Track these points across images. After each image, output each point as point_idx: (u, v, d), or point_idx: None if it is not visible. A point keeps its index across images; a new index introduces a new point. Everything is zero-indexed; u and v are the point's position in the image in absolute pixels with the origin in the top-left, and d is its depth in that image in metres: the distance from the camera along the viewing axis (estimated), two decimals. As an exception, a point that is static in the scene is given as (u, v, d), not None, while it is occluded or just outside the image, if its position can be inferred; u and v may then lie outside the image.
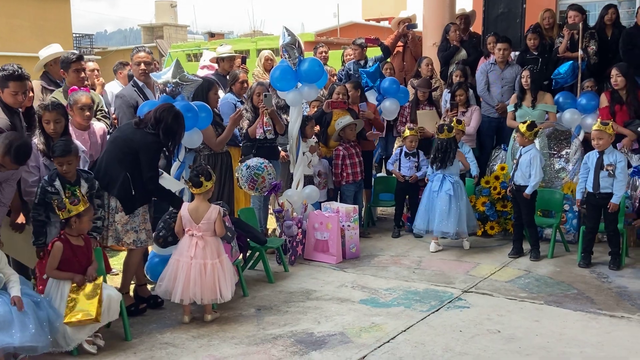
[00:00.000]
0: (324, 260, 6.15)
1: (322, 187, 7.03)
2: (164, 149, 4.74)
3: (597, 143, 5.75)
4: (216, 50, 8.09)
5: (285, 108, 6.84)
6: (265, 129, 6.28)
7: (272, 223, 7.00)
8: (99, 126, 5.38)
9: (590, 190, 5.81)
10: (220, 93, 7.05)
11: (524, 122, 6.16)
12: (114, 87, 7.58)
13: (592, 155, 5.84)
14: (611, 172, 5.68)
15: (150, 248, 5.22)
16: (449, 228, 6.30)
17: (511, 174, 6.30)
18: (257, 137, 6.29)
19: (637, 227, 6.15)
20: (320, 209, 6.52)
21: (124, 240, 4.59)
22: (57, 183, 4.32)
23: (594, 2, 8.87)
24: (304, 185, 6.66)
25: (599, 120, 5.87)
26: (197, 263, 4.49)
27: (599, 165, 5.74)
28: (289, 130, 6.56)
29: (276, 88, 6.50)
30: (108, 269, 4.84)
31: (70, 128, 4.96)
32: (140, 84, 5.89)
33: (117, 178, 4.53)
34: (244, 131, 6.39)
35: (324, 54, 9.16)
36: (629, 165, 6.62)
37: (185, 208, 4.66)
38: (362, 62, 8.94)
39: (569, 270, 5.74)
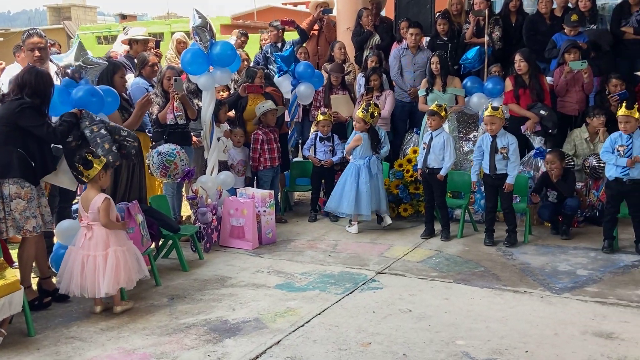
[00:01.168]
0: (240, 247, 6.10)
1: (240, 174, 6.96)
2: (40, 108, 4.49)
3: (490, 128, 5.99)
4: (126, 32, 7.81)
5: (197, 92, 6.70)
6: (175, 114, 6.13)
7: (187, 210, 6.87)
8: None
9: (487, 172, 6.04)
10: (131, 77, 6.83)
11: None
12: (14, 70, 7.16)
13: (486, 139, 6.07)
14: (505, 154, 5.93)
15: (55, 239, 5.01)
16: (374, 206, 6.57)
17: (422, 158, 6.42)
18: (168, 122, 6.14)
19: (535, 203, 6.43)
20: (236, 195, 6.45)
21: (25, 229, 4.34)
22: None
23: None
24: (219, 171, 6.58)
25: (490, 105, 6.08)
26: (83, 254, 4.35)
27: (494, 149, 5.98)
28: (201, 115, 6.43)
29: (187, 72, 6.36)
30: (9, 262, 4.60)
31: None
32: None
33: (10, 159, 4.29)
34: (154, 116, 6.21)
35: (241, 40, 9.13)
36: (531, 147, 6.95)
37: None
38: (279, 45, 8.89)
39: (476, 249, 5.96)
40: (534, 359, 3.66)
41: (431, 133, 6.36)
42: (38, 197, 4.46)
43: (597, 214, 6.45)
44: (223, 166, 6.83)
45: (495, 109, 5.96)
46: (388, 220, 6.72)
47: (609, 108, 6.78)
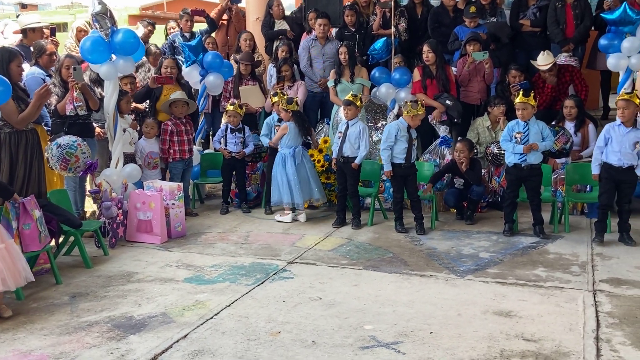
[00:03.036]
0: (148, 241, 5.93)
1: (152, 167, 6.77)
2: None
3: (415, 122, 6.14)
4: (19, 20, 7.40)
5: (99, 82, 6.43)
6: (75, 104, 5.85)
7: (92, 205, 6.60)
8: None
9: (399, 162, 6.15)
10: (26, 67, 6.47)
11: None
12: None
13: (403, 129, 6.14)
14: (414, 145, 6.12)
15: None
16: (306, 195, 6.56)
17: (337, 147, 6.45)
18: (67, 113, 5.86)
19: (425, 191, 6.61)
20: (143, 188, 6.26)
21: None
22: None
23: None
24: (125, 164, 6.36)
25: (408, 102, 6.18)
26: None
27: (411, 140, 6.11)
28: (104, 105, 6.19)
29: (87, 60, 6.11)
30: None
31: None
32: None
33: None
34: (52, 107, 5.92)
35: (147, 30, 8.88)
36: (437, 136, 7.15)
37: None
38: (187, 35, 8.70)
39: (386, 236, 6.07)
40: (438, 339, 3.76)
41: (347, 122, 6.40)
42: None
43: (499, 199, 6.73)
44: (130, 159, 6.61)
45: (414, 103, 6.13)
46: (301, 218, 6.63)
47: (509, 97, 7.08)
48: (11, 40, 7.67)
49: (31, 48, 6.72)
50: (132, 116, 6.85)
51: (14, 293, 4.48)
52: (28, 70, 6.32)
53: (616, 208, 5.69)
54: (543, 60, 7.15)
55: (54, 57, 6.44)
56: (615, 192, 5.63)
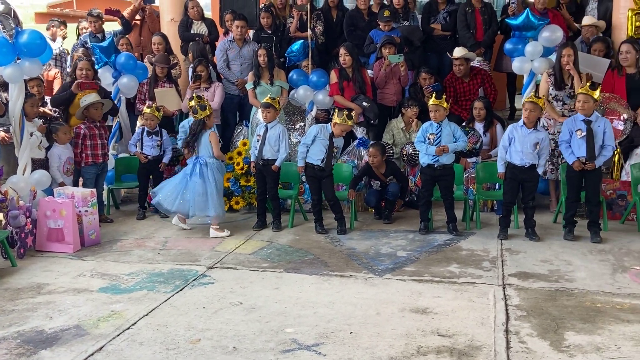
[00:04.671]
0: (60, 250, 5.71)
1: (70, 173, 6.51)
2: None
3: (341, 132, 6.20)
4: None
5: (5, 85, 6.13)
6: None
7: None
8: None
9: (320, 164, 6.19)
10: None
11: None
12: None
13: (326, 133, 6.18)
14: (335, 153, 6.22)
15: None
16: (211, 211, 6.15)
17: (255, 150, 6.43)
18: None
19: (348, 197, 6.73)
20: (53, 195, 6.02)
21: None
22: None
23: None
24: (33, 170, 6.09)
25: (345, 113, 6.21)
26: None
27: (332, 146, 6.18)
28: (9, 109, 5.91)
29: (-10, 63, 5.80)
30: None
31: None
32: None
33: None
34: None
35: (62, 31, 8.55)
36: (355, 137, 7.28)
37: None
38: (99, 36, 8.43)
39: (306, 238, 6.11)
40: (358, 339, 3.83)
41: (266, 125, 6.39)
42: None
43: (415, 199, 6.92)
44: (39, 164, 6.33)
45: (350, 117, 6.15)
46: (212, 233, 6.19)
47: (422, 99, 7.30)
48: None
49: None
50: (42, 120, 6.55)
51: None
52: None
53: (522, 205, 5.99)
54: (458, 52, 7.42)
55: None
56: (518, 190, 5.93)
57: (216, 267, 5.27)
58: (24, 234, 5.58)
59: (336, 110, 6.30)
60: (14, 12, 5.82)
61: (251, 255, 5.59)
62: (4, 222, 5.61)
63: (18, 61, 5.84)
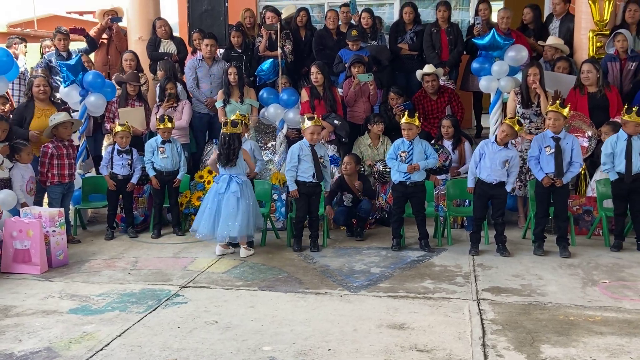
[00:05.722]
0: (26, 272, 5.56)
1: (33, 193, 6.36)
2: None
3: (315, 137, 6.18)
4: None
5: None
6: None
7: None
8: None
9: (312, 180, 6.18)
10: None
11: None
12: None
13: (305, 148, 6.18)
14: (323, 163, 6.20)
15: None
16: (234, 232, 5.92)
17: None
18: None
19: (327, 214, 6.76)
20: (19, 215, 5.87)
21: None
22: None
23: (287, 4, 9.55)
24: (-2, 190, 5.95)
25: (312, 116, 6.24)
26: None
27: (316, 157, 6.17)
28: (-26, 128, 5.77)
29: (-45, 80, 5.67)
30: None
31: None
32: None
33: None
34: None
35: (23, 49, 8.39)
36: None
37: None
38: (64, 54, 8.31)
39: (280, 256, 6.09)
40: (336, 355, 3.82)
41: None
42: None
43: (386, 215, 6.97)
44: (3, 184, 6.17)
45: (311, 118, 6.16)
46: (241, 253, 6.06)
47: (392, 117, 7.39)
48: None
49: None
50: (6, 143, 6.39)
51: None
52: None
53: (492, 221, 6.09)
54: (429, 68, 7.55)
55: None
56: (487, 205, 6.03)
57: (189, 287, 5.21)
58: (-11, 255, 5.42)
59: (304, 118, 6.31)
60: (-20, 29, 5.70)
61: (224, 274, 5.54)
62: (-32, 243, 5.45)
63: (-17, 79, 5.73)
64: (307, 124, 6.15)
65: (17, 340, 4.12)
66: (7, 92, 7.11)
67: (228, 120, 6.06)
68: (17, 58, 8.95)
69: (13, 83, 8.03)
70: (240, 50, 8.25)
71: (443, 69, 7.85)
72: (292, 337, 4.10)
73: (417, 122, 6.01)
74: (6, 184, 6.22)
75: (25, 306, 4.77)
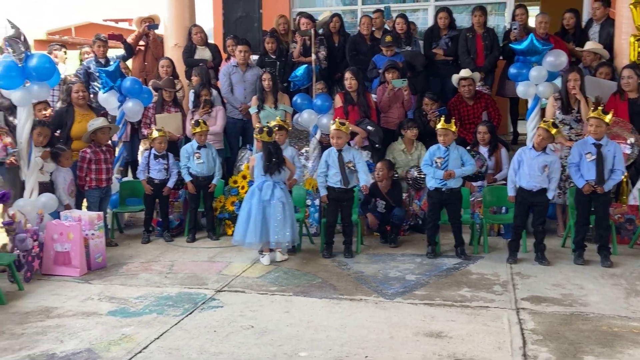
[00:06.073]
0: (66, 274, 5.65)
1: (72, 195, 6.49)
2: None
3: (336, 142, 6.17)
4: None
5: (12, 109, 6.13)
6: (10, 150, 5.71)
7: (3, 238, 6.23)
8: None
9: (339, 185, 6.17)
10: None
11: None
12: None
13: (332, 153, 6.21)
14: (351, 168, 6.15)
15: None
16: (285, 237, 5.91)
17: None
18: None
19: (369, 223, 6.74)
20: (60, 218, 5.98)
21: None
22: None
23: (321, 11, 9.58)
24: (40, 193, 6.07)
25: (337, 120, 6.29)
26: None
27: (342, 162, 6.14)
28: (17, 133, 5.91)
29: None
30: None
31: None
32: None
33: None
34: None
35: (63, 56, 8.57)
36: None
37: None
38: (102, 61, 8.46)
39: (314, 261, 6.08)
40: (374, 362, 3.80)
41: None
42: None
43: (420, 222, 6.92)
44: (44, 188, 6.31)
45: (342, 124, 6.13)
46: (277, 257, 6.02)
47: (427, 123, 7.34)
48: None
49: None
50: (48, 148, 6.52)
51: None
52: None
53: (531, 229, 5.99)
54: (465, 72, 7.49)
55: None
56: (528, 214, 5.93)
57: (224, 291, 5.23)
58: (31, 257, 5.53)
59: (335, 121, 6.26)
60: (24, 37, 5.82)
61: (259, 279, 5.55)
62: (11, 245, 5.57)
63: (27, 85, 5.84)
64: (330, 128, 6.15)
65: (59, 341, 4.19)
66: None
67: (264, 127, 6.06)
68: (57, 64, 9.17)
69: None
70: (274, 57, 8.30)
71: (479, 74, 7.77)
72: (328, 344, 4.09)
73: (453, 128, 5.96)
74: (47, 187, 6.36)
75: (66, 307, 4.85)
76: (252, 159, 6.19)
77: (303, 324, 4.46)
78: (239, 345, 4.11)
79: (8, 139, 5.70)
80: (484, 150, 7.12)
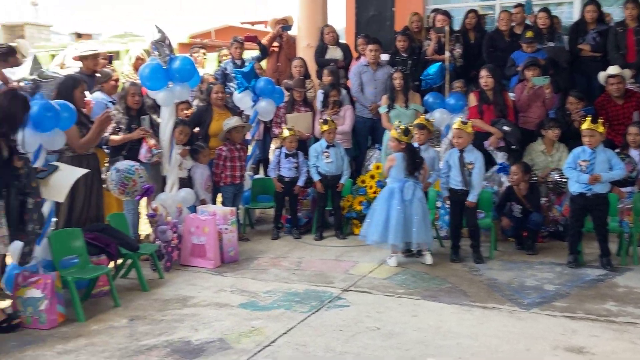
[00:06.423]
0: (202, 265, 5.91)
1: (209, 190, 6.79)
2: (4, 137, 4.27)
3: (456, 141, 5.96)
4: (77, 49, 7.61)
5: (155, 108, 6.51)
6: (154, 151, 6.02)
7: (145, 229, 6.64)
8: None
9: (455, 187, 6.00)
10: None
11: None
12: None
13: (454, 154, 6.04)
14: (470, 170, 5.92)
15: (8, 259, 4.76)
16: (428, 238, 5.89)
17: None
18: (144, 161, 5.96)
19: (502, 226, 6.45)
20: (196, 213, 6.26)
21: None
22: None
23: (458, 8, 9.29)
24: (179, 188, 6.39)
25: (459, 119, 6.06)
26: None
27: (462, 163, 5.94)
28: (160, 131, 6.26)
29: (146, 87, 6.19)
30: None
31: None
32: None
33: None
34: (106, 135, 5.90)
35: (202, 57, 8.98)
36: (494, 162, 6.97)
37: None
38: (238, 62, 8.78)
39: (443, 265, 5.89)
40: (507, 375, 3.60)
41: (419, 147, 6.27)
42: None
43: (561, 229, 6.49)
44: (183, 183, 6.64)
45: (464, 123, 5.94)
46: (428, 260, 5.90)
47: (571, 123, 6.87)
48: (74, 67, 7.85)
49: (90, 75, 6.85)
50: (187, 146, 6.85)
51: (76, 314, 4.50)
52: (91, 95, 6.44)
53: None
54: (613, 70, 6.97)
55: (118, 84, 6.58)
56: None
57: (351, 290, 5.21)
58: (171, 248, 5.83)
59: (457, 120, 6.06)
60: (169, 40, 6.15)
61: (386, 280, 5.47)
62: (153, 236, 5.91)
63: (170, 85, 6.17)
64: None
65: (194, 329, 4.37)
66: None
67: (401, 126, 5.91)
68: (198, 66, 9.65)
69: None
70: (405, 55, 8.16)
71: (630, 71, 7.16)
72: (458, 351, 3.93)
73: (600, 129, 5.52)
74: (185, 183, 6.69)
75: (201, 297, 5.06)
76: (391, 159, 5.99)
77: (431, 329, 4.33)
78: (365, 346, 4.06)
79: (152, 141, 6.05)
80: (634, 153, 6.52)
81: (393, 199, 5.84)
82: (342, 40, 9.19)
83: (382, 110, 7.49)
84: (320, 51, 8.65)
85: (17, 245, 4.51)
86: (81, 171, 4.90)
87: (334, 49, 8.66)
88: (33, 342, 4.16)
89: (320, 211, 7.11)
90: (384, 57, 8.23)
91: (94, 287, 4.96)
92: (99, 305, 4.84)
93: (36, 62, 5.02)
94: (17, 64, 6.01)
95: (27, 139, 4.51)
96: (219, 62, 9.90)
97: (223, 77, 8.73)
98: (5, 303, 4.62)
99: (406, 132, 5.89)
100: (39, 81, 4.94)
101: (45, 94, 4.99)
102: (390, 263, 5.89)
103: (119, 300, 4.89)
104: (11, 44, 6.30)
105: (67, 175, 4.71)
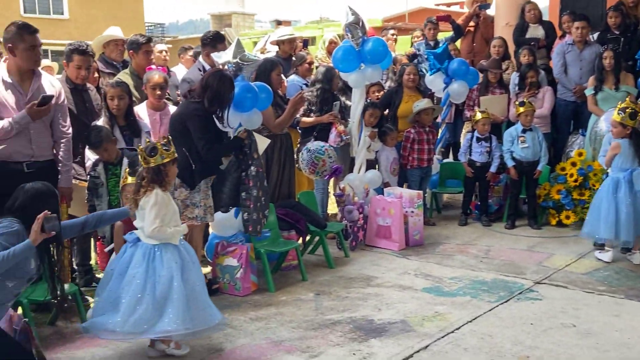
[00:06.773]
0: (386, 247, 5.94)
1: (395, 173, 6.81)
2: (215, 116, 4.62)
3: None
4: (274, 33, 8.00)
5: (345, 90, 6.63)
6: (344, 137, 6.16)
7: (332, 208, 6.84)
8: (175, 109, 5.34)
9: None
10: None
11: (620, 112, 5.26)
12: (179, 71, 7.59)
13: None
14: None
15: (211, 230, 5.19)
16: (637, 230, 5.30)
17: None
18: (334, 145, 6.06)
19: None
20: (383, 194, 6.30)
21: (184, 214, 4.47)
22: (100, 167, 4.53)
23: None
24: (366, 170, 6.47)
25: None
26: None
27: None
28: (350, 113, 6.36)
29: (338, 69, 6.30)
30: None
31: (144, 108, 5.10)
32: (207, 66, 5.83)
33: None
34: (298, 117, 6.10)
35: (393, 38, 8.93)
36: None
37: None
38: (432, 43, 8.63)
39: (654, 262, 5.31)
40: None
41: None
42: (205, 189, 4.60)
43: None
44: (370, 165, 6.71)
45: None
46: (636, 259, 5.37)
47: None
48: (273, 52, 8.30)
49: (286, 59, 7.17)
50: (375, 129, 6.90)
51: (267, 284, 4.78)
52: (287, 78, 6.75)
53: None
54: None
55: (312, 67, 6.81)
56: None
57: (544, 283, 4.90)
58: (357, 228, 5.94)
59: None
60: (362, 22, 6.21)
61: (585, 276, 5.06)
62: (340, 215, 6.06)
63: (362, 67, 6.24)
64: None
65: (377, 309, 4.41)
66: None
67: (629, 108, 5.23)
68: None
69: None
70: (617, 32, 7.39)
71: None
72: (669, 360, 3.50)
73: None
74: (372, 164, 6.75)
75: (385, 278, 5.09)
76: (615, 146, 5.33)
77: (636, 331, 3.93)
78: (558, 342, 3.80)
79: (342, 127, 6.18)
80: None
81: (620, 192, 5.30)
82: (545, 18, 8.60)
83: (588, 92, 6.88)
84: (520, 30, 8.15)
85: (219, 217, 4.89)
86: (266, 142, 5.15)
87: (535, 27, 8.11)
88: (229, 306, 4.49)
89: (513, 198, 6.76)
90: (593, 35, 7.55)
91: (284, 260, 5.23)
92: (287, 277, 5.10)
93: (239, 46, 5.32)
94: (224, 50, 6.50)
95: (229, 118, 4.84)
96: (412, 44, 9.81)
97: (412, 58, 8.64)
98: (206, 269, 5.04)
99: (633, 115, 5.27)
100: (241, 64, 5.24)
101: (246, 76, 5.30)
102: (603, 258, 5.42)
103: (306, 274, 5.10)
104: (220, 32, 6.79)
105: (259, 143, 4.99)
